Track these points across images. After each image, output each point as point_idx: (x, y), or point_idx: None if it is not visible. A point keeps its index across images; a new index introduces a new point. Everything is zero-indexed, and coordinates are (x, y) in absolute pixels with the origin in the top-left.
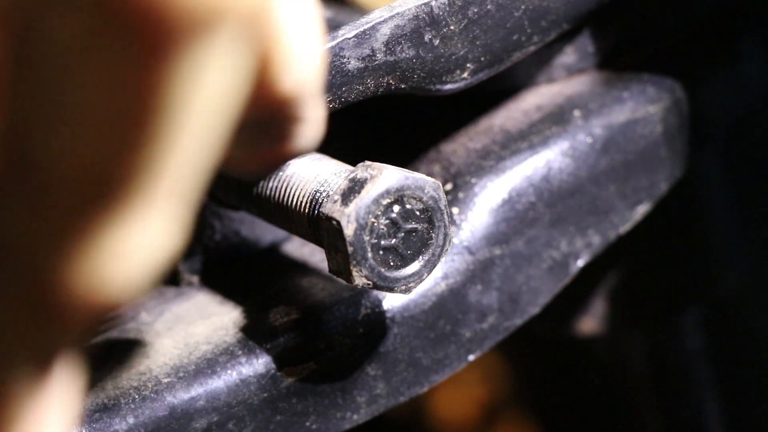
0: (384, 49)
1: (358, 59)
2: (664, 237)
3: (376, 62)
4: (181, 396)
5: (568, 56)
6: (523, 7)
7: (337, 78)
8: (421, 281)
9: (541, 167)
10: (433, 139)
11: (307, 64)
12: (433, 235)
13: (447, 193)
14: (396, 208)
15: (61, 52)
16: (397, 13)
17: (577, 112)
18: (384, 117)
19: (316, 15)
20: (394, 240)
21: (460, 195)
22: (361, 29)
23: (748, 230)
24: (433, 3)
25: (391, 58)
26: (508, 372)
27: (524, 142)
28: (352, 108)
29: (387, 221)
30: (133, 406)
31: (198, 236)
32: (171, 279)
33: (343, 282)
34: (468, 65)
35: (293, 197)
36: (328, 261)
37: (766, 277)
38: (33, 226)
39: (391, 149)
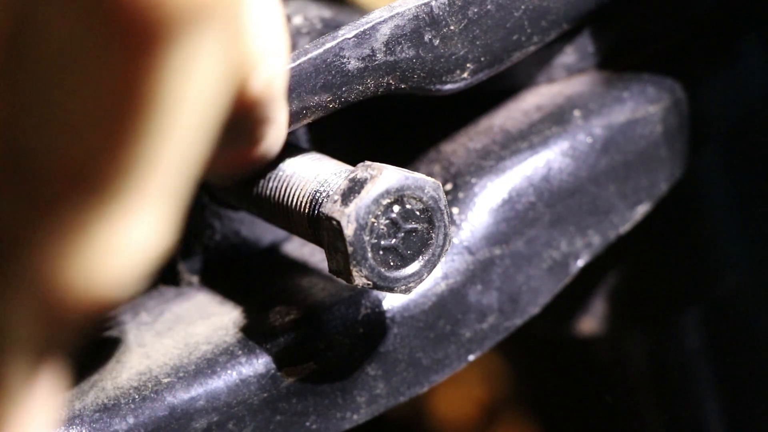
0: (384, 49)
1: (358, 59)
2: (664, 237)
3: (376, 62)
4: (181, 396)
5: (568, 56)
6: (523, 7)
7: (337, 78)
8: (421, 281)
9: (541, 167)
10: (433, 139)
11: (274, 64)
12: (433, 235)
13: (447, 193)
14: (396, 208)
15: (52, 49)
16: (397, 13)
17: (577, 112)
18: (384, 117)
19: (280, 14)
20: (394, 240)
21: (460, 195)
22: (361, 29)
23: (748, 230)
24: (433, 3)
25: (391, 58)
26: (508, 372)
27: (524, 142)
28: (352, 108)
29: (387, 221)
30: (133, 406)
31: (198, 236)
32: (171, 279)
33: (343, 282)
34: (468, 65)
35: (293, 197)
36: (328, 261)
37: (766, 277)
38: (23, 222)
39: (391, 149)
